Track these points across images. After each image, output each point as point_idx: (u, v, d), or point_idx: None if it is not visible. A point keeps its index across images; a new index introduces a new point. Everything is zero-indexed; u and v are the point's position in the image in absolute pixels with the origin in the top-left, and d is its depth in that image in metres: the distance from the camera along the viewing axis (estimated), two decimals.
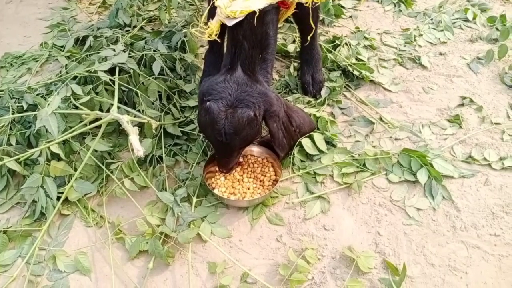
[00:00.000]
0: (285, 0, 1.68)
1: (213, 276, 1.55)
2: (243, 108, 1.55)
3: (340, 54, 2.36)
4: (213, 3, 1.64)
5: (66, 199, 1.75)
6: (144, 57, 2.22)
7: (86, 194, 1.78)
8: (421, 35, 2.61)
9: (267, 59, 1.71)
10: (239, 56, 1.63)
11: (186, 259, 1.59)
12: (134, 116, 1.84)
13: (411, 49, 2.51)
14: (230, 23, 1.59)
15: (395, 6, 2.89)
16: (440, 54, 2.48)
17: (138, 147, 1.42)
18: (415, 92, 2.24)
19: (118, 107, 1.73)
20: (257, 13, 1.57)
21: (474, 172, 1.83)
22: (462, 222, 1.67)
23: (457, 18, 2.75)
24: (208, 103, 1.57)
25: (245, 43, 1.62)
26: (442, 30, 2.64)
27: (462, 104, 2.16)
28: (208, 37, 1.70)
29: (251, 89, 1.59)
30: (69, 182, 1.75)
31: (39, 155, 1.76)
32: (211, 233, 1.66)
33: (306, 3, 1.69)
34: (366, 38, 2.56)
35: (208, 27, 1.70)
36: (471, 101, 2.16)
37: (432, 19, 2.73)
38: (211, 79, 1.65)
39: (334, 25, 2.72)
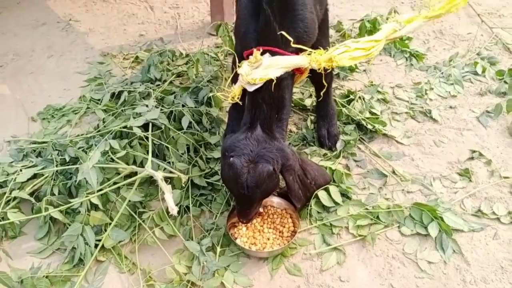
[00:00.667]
0: (300, 67, 1.86)
1: None
2: (264, 163, 1.72)
3: (354, 108, 2.52)
4: (236, 71, 1.83)
5: (102, 246, 1.92)
6: (174, 111, 2.42)
7: (120, 242, 1.95)
8: (432, 88, 2.76)
9: (283, 119, 1.89)
10: (258, 116, 1.82)
11: None
12: (164, 169, 2.02)
13: (422, 102, 2.66)
14: (250, 88, 1.78)
15: (406, 60, 3.06)
16: (450, 107, 2.62)
17: (172, 206, 1.59)
18: (427, 145, 2.37)
19: (152, 161, 1.91)
20: (275, 80, 1.76)
21: (483, 226, 1.93)
22: (472, 276, 1.76)
23: (466, 72, 2.89)
24: (231, 159, 1.73)
25: (264, 105, 1.81)
26: (452, 84, 2.78)
27: (472, 158, 2.28)
28: (231, 99, 1.89)
29: (269, 146, 1.76)
30: (105, 230, 1.92)
31: (80, 205, 1.95)
32: (234, 282, 1.79)
33: (319, 69, 1.86)
34: (379, 92, 2.72)
35: (231, 91, 1.89)
36: (481, 154, 2.28)
37: (442, 73, 2.89)
38: (233, 136, 1.83)
39: (349, 79, 2.89)
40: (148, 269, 1.84)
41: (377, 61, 3.07)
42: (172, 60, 3.11)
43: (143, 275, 1.83)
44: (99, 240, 1.90)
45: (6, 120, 2.80)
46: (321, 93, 2.23)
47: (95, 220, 1.90)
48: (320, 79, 2.04)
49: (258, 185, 1.71)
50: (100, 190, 1.97)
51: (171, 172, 1.97)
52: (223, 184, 2.17)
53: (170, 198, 1.61)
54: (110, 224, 1.94)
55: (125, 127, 2.24)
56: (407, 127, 2.50)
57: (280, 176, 1.81)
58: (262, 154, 1.74)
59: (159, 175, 1.72)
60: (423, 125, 2.51)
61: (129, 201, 2.02)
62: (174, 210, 1.58)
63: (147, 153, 2.08)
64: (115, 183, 1.97)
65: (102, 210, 1.96)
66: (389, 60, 3.09)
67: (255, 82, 1.76)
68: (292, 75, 1.90)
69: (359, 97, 2.61)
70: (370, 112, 2.54)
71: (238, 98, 1.90)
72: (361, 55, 1.94)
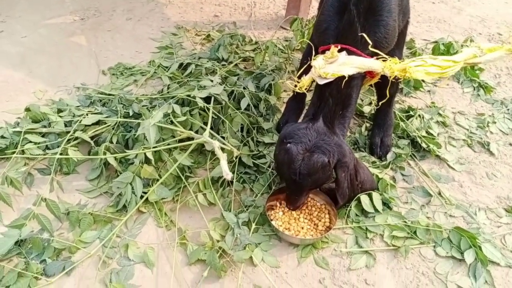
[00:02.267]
0: (372, 71, 1.88)
1: None
2: (319, 154, 1.76)
3: (412, 124, 2.51)
4: (310, 62, 1.88)
5: (146, 199, 2.02)
6: (235, 92, 2.51)
7: (163, 199, 2.05)
8: (495, 122, 2.70)
9: (346, 116, 1.92)
10: (322, 109, 1.86)
11: (236, 277, 1.78)
12: (220, 142, 2.10)
13: (482, 133, 2.60)
14: (321, 82, 1.82)
15: (474, 89, 3.00)
16: (510, 144, 2.55)
17: (227, 171, 1.66)
18: (478, 175, 2.33)
19: (210, 134, 1.99)
20: (346, 78, 1.79)
21: None
22: None
23: None
24: (289, 144, 1.79)
25: (330, 100, 1.84)
26: None
27: None
28: (299, 89, 1.94)
29: (328, 139, 1.80)
30: (152, 185, 2.03)
31: (135, 157, 2.06)
32: (262, 260, 1.84)
33: (390, 77, 1.88)
34: (440, 114, 2.69)
35: (301, 81, 1.95)
36: None
37: (508, 109, 2.81)
38: (294, 125, 1.88)
39: (411, 96, 2.87)
40: (185, 228, 1.93)
41: (444, 85, 3.03)
42: (242, 44, 3.21)
43: (178, 233, 1.92)
44: (145, 193, 2.00)
45: (79, 68, 2.99)
46: (382, 103, 2.24)
47: (145, 173, 2.01)
48: (385, 88, 2.05)
49: (310, 173, 1.75)
50: (155, 147, 2.08)
51: (224, 144, 2.04)
52: (268, 168, 2.23)
53: (225, 164, 1.68)
54: (157, 180, 2.04)
55: (188, 95, 2.34)
56: (461, 154, 2.46)
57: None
58: (320, 145, 1.78)
59: (216, 143, 1.80)
60: (478, 155, 2.46)
61: (180, 164, 2.13)
62: (228, 175, 1.65)
63: (205, 124, 2.17)
64: (169, 144, 2.06)
65: (153, 166, 2.06)
66: (456, 86, 3.04)
67: (326, 76, 1.80)
68: (363, 77, 1.93)
69: (419, 115, 2.59)
70: (427, 132, 2.52)
71: (306, 89, 1.95)
72: (436, 72, 1.93)
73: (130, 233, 1.93)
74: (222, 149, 2.15)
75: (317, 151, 1.75)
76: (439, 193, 2.20)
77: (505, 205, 2.17)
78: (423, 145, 2.41)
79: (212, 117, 2.33)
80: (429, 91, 2.96)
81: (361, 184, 1.97)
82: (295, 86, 1.97)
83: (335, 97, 1.84)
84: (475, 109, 2.83)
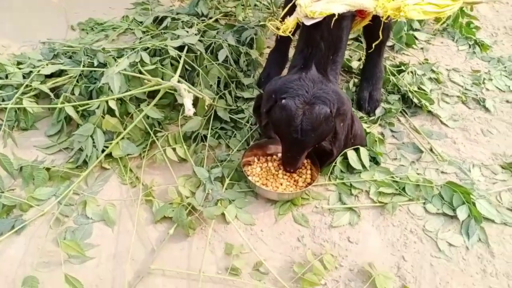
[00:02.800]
0: (364, 10, 1.69)
1: (227, 257, 1.55)
2: (320, 104, 1.55)
3: (403, 79, 2.33)
4: (294, 1, 1.68)
5: (110, 155, 1.84)
6: (213, 44, 2.31)
7: (128, 155, 1.86)
8: (491, 79, 2.52)
9: (337, 61, 1.73)
10: (314, 56, 1.66)
11: (206, 235, 1.61)
12: (190, 89, 1.90)
13: (478, 91, 2.43)
14: (308, 22, 1.63)
15: (470, 47, 2.81)
16: (507, 101, 2.38)
17: (189, 106, 1.47)
18: (473, 132, 2.16)
19: (178, 80, 1.80)
20: (336, 17, 1.60)
21: None
22: (494, 268, 1.57)
23: None
24: (284, 100, 1.57)
25: (322, 44, 1.65)
26: None
27: None
28: (282, 32, 1.75)
29: (326, 87, 1.60)
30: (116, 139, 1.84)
31: (97, 108, 1.87)
32: (236, 217, 1.68)
33: (382, 17, 1.69)
34: (433, 71, 2.51)
35: (284, 23, 1.75)
36: None
37: (505, 67, 2.63)
38: (282, 78, 1.68)
39: (403, 53, 2.69)
40: (151, 185, 1.75)
41: (438, 43, 2.84)
42: (223, 0, 2.99)
43: (143, 190, 1.74)
44: (107, 147, 1.82)
45: (47, 24, 2.77)
46: (372, 51, 2.05)
47: (108, 125, 1.82)
48: (376, 32, 1.86)
49: (314, 128, 1.55)
50: (120, 98, 1.89)
51: (195, 91, 1.85)
52: (246, 123, 2.05)
53: (188, 100, 1.49)
54: (122, 134, 1.86)
55: (160, 46, 2.14)
56: (455, 110, 2.28)
57: None
58: (319, 95, 1.57)
59: (182, 86, 1.61)
60: (473, 112, 2.29)
61: (148, 117, 1.94)
62: (190, 110, 1.46)
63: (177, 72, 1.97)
64: (136, 91, 1.87)
65: (118, 118, 1.87)
66: (451, 44, 2.85)
67: (314, 15, 1.61)
68: (353, 16, 1.74)
69: (411, 71, 2.41)
70: (419, 88, 2.34)
71: (290, 32, 1.76)
72: (433, 11, 1.74)
73: (91, 191, 1.76)
74: (195, 103, 1.97)
75: (317, 102, 1.55)
76: (431, 149, 2.03)
77: (501, 161, 2.01)
78: (415, 100, 2.24)
79: (186, 68, 2.15)
80: (422, 48, 2.77)
81: (354, 139, 1.80)
82: (278, 29, 1.78)
83: (327, 40, 1.65)
84: (471, 66, 2.65)
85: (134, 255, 1.55)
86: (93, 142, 1.81)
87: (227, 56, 2.26)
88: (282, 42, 2.23)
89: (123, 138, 1.87)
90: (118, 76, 1.85)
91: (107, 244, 1.58)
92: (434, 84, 2.44)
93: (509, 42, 2.95)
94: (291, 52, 2.36)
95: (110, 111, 1.86)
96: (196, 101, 1.95)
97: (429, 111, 2.23)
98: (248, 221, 1.67)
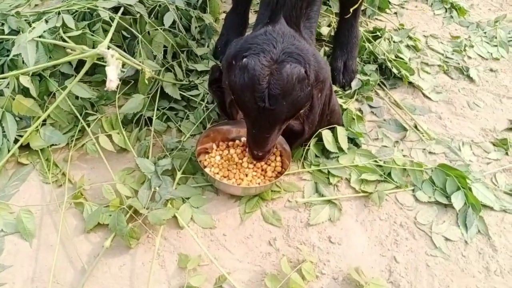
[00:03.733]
0: None
1: (181, 272, 1.23)
2: (292, 63, 1.20)
3: (380, 46, 2.04)
4: None
5: (28, 146, 1.45)
6: (157, 7, 1.91)
7: (52, 145, 1.48)
8: (472, 46, 2.29)
9: (312, 17, 1.41)
10: (282, 7, 1.33)
11: (153, 245, 1.28)
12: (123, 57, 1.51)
13: (459, 58, 2.19)
14: None
15: (446, 11, 2.57)
16: (491, 70, 2.16)
17: (112, 77, 1.11)
18: (459, 105, 1.92)
19: (109, 47, 1.42)
20: None
21: None
22: (497, 264, 1.35)
23: None
24: (245, 59, 1.21)
25: None
26: (496, 46, 2.32)
27: (511, 129, 1.84)
28: None
29: (299, 43, 1.25)
30: (37, 127, 1.44)
31: (6, 86, 1.46)
32: (191, 219, 1.35)
33: None
34: (410, 37, 2.24)
35: None
36: None
37: (485, 33, 2.41)
38: (243, 37, 1.33)
39: (376, 19, 2.40)
40: (80, 183, 1.38)
41: (412, 7, 2.57)
42: None
43: (72, 190, 1.37)
44: (22, 136, 1.42)
45: None
46: (350, 14, 1.73)
47: (21, 108, 1.42)
48: None
49: (285, 93, 1.19)
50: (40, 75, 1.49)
51: (131, 61, 1.47)
52: (201, 102, 1.70)
53: (113, 70, 1.13)
54: (44, 120, 1.47)
55: (89, 7, 1.73)
56: (438, 81, 2.03)
57: None
58: (290, 51, 1.22)
59: (111, 52, 1.23)
60: (457, 82, 2.05)
61: (76, 98, 1.56)
62: (112, 82, 1.10)
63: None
64: (55, 66, 1.47)
65: (35, 99, 1.47)
66: (426, 8, 2.59)
67: None
68: None
69: (387, 38, 2.13)
70: (397, 56, 2.07)
71: None
72: None
73: (3, 194, 1.37)
74: (135, 78, 1.60)
75: (288, 60, 1.20)
76: (415, 127, 1.77)
77: (492, 138, 1.79)
78: (394, 70, 1.96)
79: (124, 36, 1.76)
80: (395, 13, 2.49)
81: (330, 116, 1.49)
82: None
83: None
84: (449, 32, 2.41)
85: (58, 277, 1.20)
86: (3, 131, 1.41)
87: (174, 21, 1.89)
88: (241, 2, 1.87)
89: (44, 124, 1.48)
90: (33, 44, 1.46)
91: (23, 263, 1.22)
92: (413, 52, 2.18)
93: (485, 6, 2.73)
94: (252, 18, 2.02)
95: (25, 91, 1.46)
96: (136, 79, 1.59)
97: (410, 83, 1.97)
98: (206, 224, 1.35)
